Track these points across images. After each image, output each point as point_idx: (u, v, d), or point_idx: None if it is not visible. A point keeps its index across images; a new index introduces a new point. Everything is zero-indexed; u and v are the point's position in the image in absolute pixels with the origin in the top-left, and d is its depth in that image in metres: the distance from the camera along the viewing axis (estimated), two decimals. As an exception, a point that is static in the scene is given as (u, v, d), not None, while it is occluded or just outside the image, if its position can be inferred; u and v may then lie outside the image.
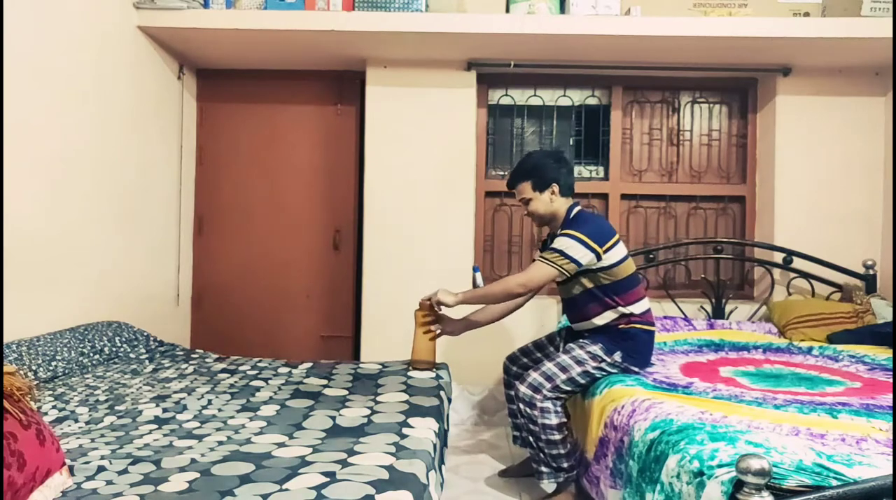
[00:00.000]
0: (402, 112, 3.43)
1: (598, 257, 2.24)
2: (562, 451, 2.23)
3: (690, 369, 2.42)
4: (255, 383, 2.26)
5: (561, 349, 2.45)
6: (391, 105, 3.43)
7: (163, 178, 3.35)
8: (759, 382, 2.23)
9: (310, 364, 2.54)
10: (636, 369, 2.31)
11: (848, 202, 3.42)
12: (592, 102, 3.64)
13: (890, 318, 2.92)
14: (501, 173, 3.66)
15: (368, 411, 1.92)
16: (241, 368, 2.47)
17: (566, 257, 2.21)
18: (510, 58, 3.34)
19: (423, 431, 1.75)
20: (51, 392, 2.04)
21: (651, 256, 3.44)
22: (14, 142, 2.23)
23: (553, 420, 2.21)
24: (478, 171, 3.53)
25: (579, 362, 2.26)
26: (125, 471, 1.44)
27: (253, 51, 3.36)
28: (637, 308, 2.33)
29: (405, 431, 1.74)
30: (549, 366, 2.27)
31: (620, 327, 2.31)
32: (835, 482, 1.26)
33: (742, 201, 3.63)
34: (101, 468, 1.45)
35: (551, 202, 2.38)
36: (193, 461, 1.51)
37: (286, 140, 3.70)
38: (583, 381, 2.27)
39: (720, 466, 1.38)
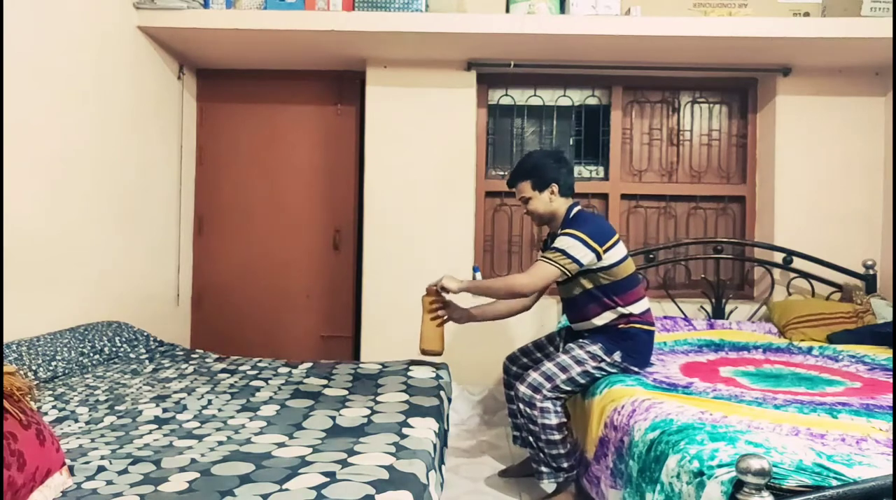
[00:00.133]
0: (402, 112, 3.43)
1: (599, 257, 2.25)
2: (562, 451, 2.23)
3: (690, 369, 2.42)
4: (255, 383, 2.26)
5: (561, 349, 2.45)
6: (391, 105, 3.44)
7: (163, 178, 3.35)
8: (759, 382, 2.23)
9: (310, 364, 2.54)
10: (636, 369, 2.31)
11: (848, 202, 3.42)
12: (592, 102, 3.64)
13: (890, 318, 2.92)
14: (501, 173, 3.66)
15: (368, 411, 1.92)
16: (241, 368, 2.47)
17: (568, 256, 2.22)
18: (510, 58, 3.34)
19: (423, 431, 1.75)
20: (51, 392, 2.04)
21: (651, 256, 3.44)
22: (14, 142, 2.23)
23: (553, 420, 2.21)
24: (478, 171, 3.53)
25: (579, 362, 2.26)
26: (125, 471, 1.44)
27: (253, 51, 3.36)
28: (637, 308, 2.33)
29: (405, 431, 1.74)
30: (548, 366, 2.27)
31: (620, 327, 2.31)
32: (835, 482, 1.26)
33: (742, 201, 3.63)
34: (101, 468, 1.45)
35: (550, 202, 2.39)
36: (193, 461, 1.51)
37: (286, 140, 3.70)
38: (583, 381, 2.27)
39: (720, 466, 1.38)
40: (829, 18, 3.00)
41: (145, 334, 2.80)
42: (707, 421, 1.67)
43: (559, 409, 2.25)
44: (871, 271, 3.27)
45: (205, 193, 3.72)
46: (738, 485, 1.25)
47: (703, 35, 2.98)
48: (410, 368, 2.44)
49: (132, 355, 2.60)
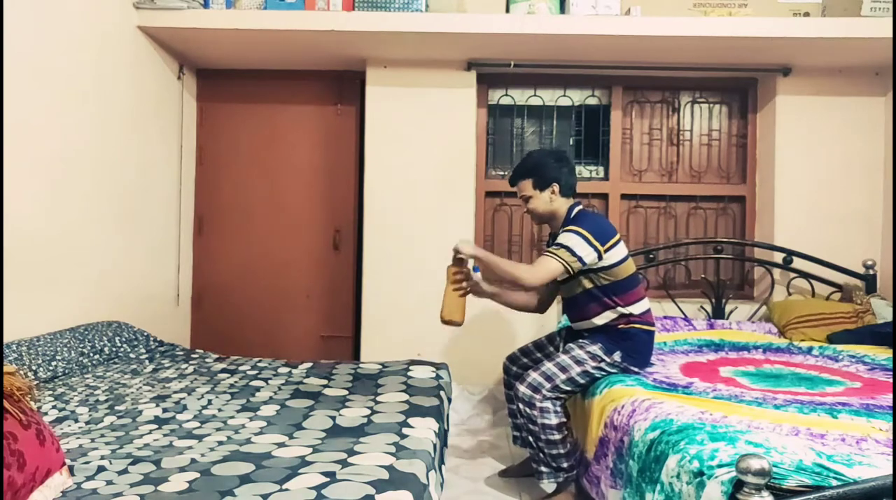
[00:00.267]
0: (402, 112, 3.43)
1: (600, 256, 2.25)
2: (561, 451, 2.23)
3: (690, 369, 2.42)
4: (255, 383, 2.26)
5: (561, 349, 2.45)
6: (391, 105, 3.44)
7: (163, 178, 3.35)
8: (759, 382, 2.23)
9: (310, 364, 2.54)
10: (636, 370, 2.31)
11: (848, 202, 3.42)
12: (592, 102, 3.64)
13: (890, 318, 2.92)
14: (501, 173, 3.66)
15: (368, 411, 1.92)
16: (241, 368, 2.47)
17: (572, 253, 2.22)
18: (510, 58, 3.34)
19: (423, 431, 1.75)
20: (51, 392, 2.04)
21: (651, 256, 3.44)
22: (14, 142, 2.23)
23: (553, 420, 2.21)
24: (478, 171, 3.53)
25: (579, 362, 2.26)
26: (125, 471, 1.44)
27: (253, 51, 3.36)
28: (637, 308, 2.33)
29: (405, 431, 1.74)
30: (548, 366, 2.27)
31: (620, 327, 2.31)
32: (835, 482, 1.26)
33: (742, 201, 3.63)
34: (101, 468, 1.45)
35: (551, 202, 2.39)
36: (193, 461, 1.51)
37: (286, 140, 3.70)
38: (582, 381, 2.27)
39: (720, 466, 1.38)
40: (829, 18, 3.00)
41: (145, 334, 2.80)
42: (707, 421, 1.67)
43: (559, 409, 2.25)
44: (871, 271, 3.27)
45: (205, 193, 3.72)
46: (738, 485, 1.25)
47: (703, 35, 2.98)
48: (410, 368, 2.44)
49: (132, 355, 2.60)
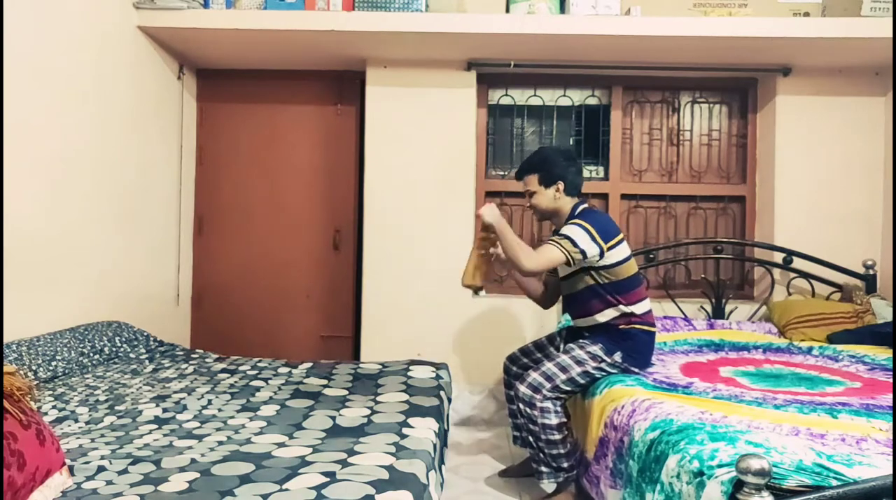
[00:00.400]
0: (402, 112, 3.43)
1: (602, 253, 2.24)
2: (562, 451, 2.23)
3: (690, 369, 2.42)
4: (255, 383, 2.26)
5: (561, 349, 2.45)
6: (391, 105, 3.44)
7: (163, 178, 3.35)
8: (759, 382, 2.23)
9: (310, 364, 2.54)
10: (636, 370, 2.31)
11: (848, 202, 3.41)
12: (592, 102, 3.64)
13: (890, 318, 2.92)
14: (501, 173, 3.66)
15: (368, 411, 1.92)
16: (241, 368, 2.47)
17: (574, 244, 2.22)
18: (510, 58, 3.34)
19: (423, 431, 1.75)
20: (51, 392, 2.04)
21: (651, 256, 3.44)
22: (14, 142, 2.23)
23: (553, 420, 2.21)
24: (478, 171, 3.53)
25: (579, 363, 2.26)
26: (125, 471, 1.45)
27: (253, 51, 3.36)
28: (639, 308, 2.33)
29: (405, 431, 1.74)
30: (548, 366, 2.27)
31: (621, 327, 2.31)
32: (835, 482, 1.26)
33: (742, 201, 3.63)
34: (101, 468, 1.45)
35: (555, 199, 2.39)
36: (193, 461, 1.51)
37: (286, 140, 3.70)
38: (583, 381, 2.27)
39: (720, 466, 1.38)
40: (829, 18, 3.00)
41: (145, 334, 2.80)
42: (707, 421, 1.67)
43: (559, 409, 2.25)
44: (871, 271, 3.27)
45: (205, 193, 3.72)
46: (738, 485, 1.25)
47: (703, 35, 2.98)
48: (410, 368, 2.44)
49: (132, 355, 2.60)
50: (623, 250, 2.31)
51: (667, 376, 2.30)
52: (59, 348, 2.30)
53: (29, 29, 2.31)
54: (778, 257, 3.38)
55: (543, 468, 2.27)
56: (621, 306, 2.31)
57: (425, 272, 3.41)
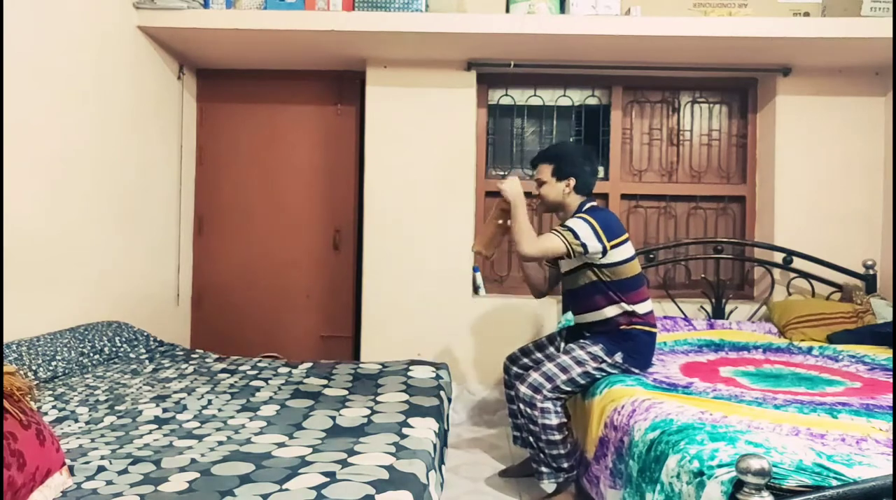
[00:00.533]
0: (402, 112, 3.43)
1: (605, 250, 2.24)
2: (562, 451, 2.23)
3: (690, 369, 2.42)
4: (255, 383, 2.26)
5: (561, 350, 2.45)
6: (391, 105, 3.44)
7: (163, 178, 3.35)
8: (759, 382, 2.23)
9: (310, 364, 2.54)
10: (636, 371, 2.31)
11: (848, 202, 3.41)
12: (592, 102, 3.64)
13: (890, 318, 2.92)
14: (502, 173, 3.66)
15: (368, 411, 1.92)
16: (241, 368, 2.47)
17: (576, 236, 2.22)
18: (510, 58, 3.34)
19: (423, 431, 1.75)
20: (51, 392, 2.04)
21: (651, 256, 3.44)
22: (14, 142, 2.23)
23: (553, 421, 2.21)
24: (478, 171, 3.53)
25: (579, 363, 2.26)
26: (125, 471, 1.45)
27: (253, 51, 3.36)
28: (641, 308, 2.32)
29: (405, 431, 1.74)
30: (549, 366, 2.27)
31: (622, 327, 2.31)
32: (835, 482, 1.26)
33: (742, 201, 3.63)
34: (101, 468, 1.45)
35: (563, 194, 2.39)
36: (193, 461, 1.51)
37: (286, 140, 3.70)
38: (583, 381, 2.27)
39: (720, 466, 1.38)
40: (829, 18, 2.99)
41: (145, 334, 2.80)
42: (707, 421, 1.67)
43: (559, 409, 2.25)
44: (871, 271, 3.27)
45: (205, 193, 3.72)
46: (738, 485, 1.25)
47: (703, 35, 2.98)
48: (410, 368, 2.44)
49: (132, 355, 2.60)
50: (627, 250, 2.31)
51: (667, 376, 2.30)
52: (59, 348, 2.30)
53: (29, 29, 2.31)
54: (778, 257, 3.38)
55: (544, 469, 2.27)
56: (623, 304, 2.30)
57: (425, 272, 3.41)
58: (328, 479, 1.37)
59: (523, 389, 2.24)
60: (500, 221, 2.43)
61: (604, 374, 2.28)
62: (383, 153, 3.44)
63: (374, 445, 1.61)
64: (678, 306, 3.36)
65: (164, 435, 1.71)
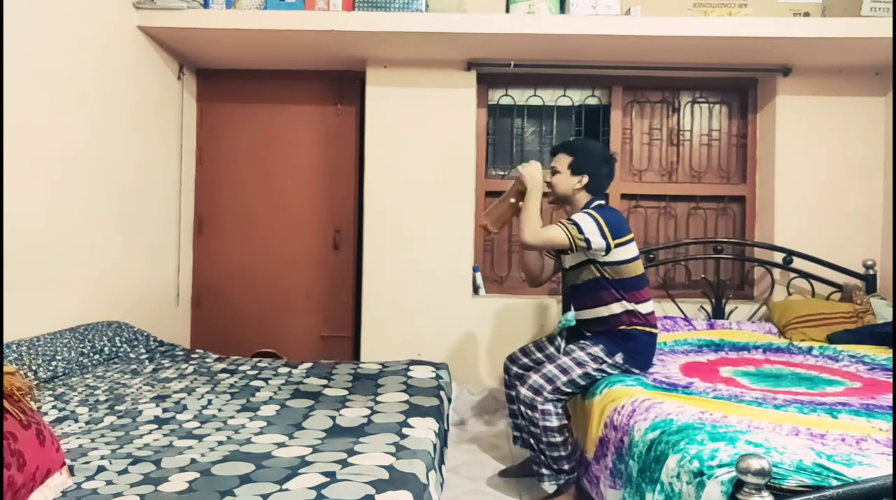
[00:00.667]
0: (402, 112, 3.43)
1: (608, 248, 2.24)
2: (563, 453, 2.23)
3: (690, 369, 2.42)
4: (255, 383, 2.26)
5: (562, 350, 2.45)
6: (391, 105, 3.44)
7: (163, 178, 3.35)
8: (759, 382, 2.23)
9: (310, 364, 2.54)
10: (637, 371, 2.31)
11: (848, 202, 3.41)
12: (592, 102, 3.64)
13: (890, 318, 2.92)
14: (502, 173, 3.66)
15: (368, 411, 1.92)
16: (241, 368, 2.47)
17: (580, 231, 2.22)
18: (510, 58, 3.34)
19: (423, 431, 1.75)
20: (51, 392, 2.04)
21: (651, 256, 3.44)
22: (14, 142, 2.23)
23: (554, 422, 2.21)
24: (478, 171, 3.53)
25: (580, 364, 2.26)
26: (125, 471, 1.44)
27: (253, 51, 3.36)
28: (643, 308, 2.32)
29: (405, 431, 1.74)
30: (549, 368, 2.27)
31: (622, 327, 2.31)
32: (835, 482, 1.26)
33: (742, 201, 3.63)
34: (101, 468, 1.45)
35: (573, 189, 2.39)
36: (193, 461, 1.51)
37: (286, 140, 3.70)
38: (583, 382, 2.27)
39: (720, 466, 1.38)
40: (829, 18, 2.99)
41: (145, 334, 2.80)
42: (707, 421, 1.67)
43: (560, 411, 2.24)
44: (871, 271, 3.27)
45: (205, 193, 3.72)
46: (738, 485, 1.25)
47: (703, 35, 2.98)
48: (410, 368, 2.44)
49: (132, 355, 2.60)
50: (631, 250, 2.31)
51: (667, 376, 2.30)
52: (59, 348, 2.30)
53: (29, 29, 2.31)
54: (778, 257, 3.38)
55: (544, 470, 2.26)
56: (625, 302, 2.30)
57: (425, 272, 3.41)
58: (328, 479, 1.37)
59: (524, 391, 2.24)
60: (514, 200, 2.44)
61: (604, 374, 2.28)
62: (383, 153, 3.44)
63: (374, 445, 1.61)
64: (678, 306, 3.36)
65: (164, 435, 1.71)
